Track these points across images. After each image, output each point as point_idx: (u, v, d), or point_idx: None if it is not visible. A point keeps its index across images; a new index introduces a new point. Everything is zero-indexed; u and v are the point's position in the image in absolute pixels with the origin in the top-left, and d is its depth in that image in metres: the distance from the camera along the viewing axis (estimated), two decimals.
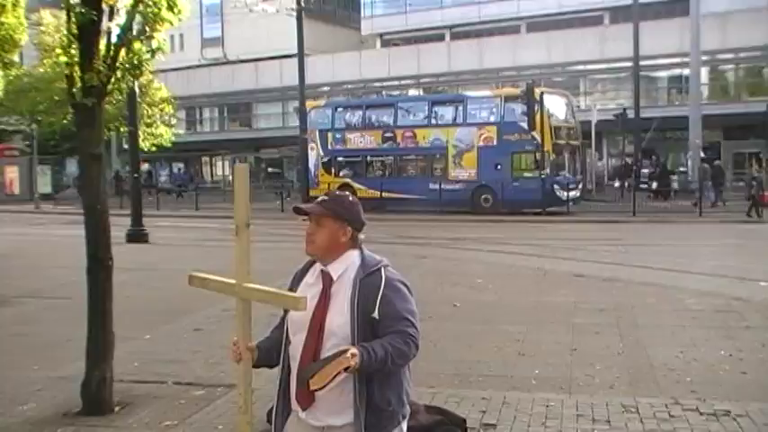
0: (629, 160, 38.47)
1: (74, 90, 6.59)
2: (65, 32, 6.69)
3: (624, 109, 38.06)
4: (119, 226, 22.98)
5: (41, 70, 39.61)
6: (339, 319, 3.20)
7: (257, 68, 54.93)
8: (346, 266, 3.29)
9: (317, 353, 3.16)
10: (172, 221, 29.38)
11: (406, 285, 3.33)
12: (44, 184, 47.28)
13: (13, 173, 52.08)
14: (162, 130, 45.01)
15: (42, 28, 36.66)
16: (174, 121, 47.33)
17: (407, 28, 53.96)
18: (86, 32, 6.43)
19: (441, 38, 52.33)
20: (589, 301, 11.41)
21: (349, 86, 51.94)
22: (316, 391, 3.04)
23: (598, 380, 7.41)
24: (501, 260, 16.62)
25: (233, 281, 3.29)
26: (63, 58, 6.71)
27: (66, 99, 24.23)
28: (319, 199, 3.37)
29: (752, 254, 17.24)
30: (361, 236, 3.36)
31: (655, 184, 34.97)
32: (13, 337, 9.84)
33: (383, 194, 32.09)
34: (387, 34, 55.57)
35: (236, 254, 3.28)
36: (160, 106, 45.36)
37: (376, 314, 3.16)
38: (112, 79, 6.63)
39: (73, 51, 6.60)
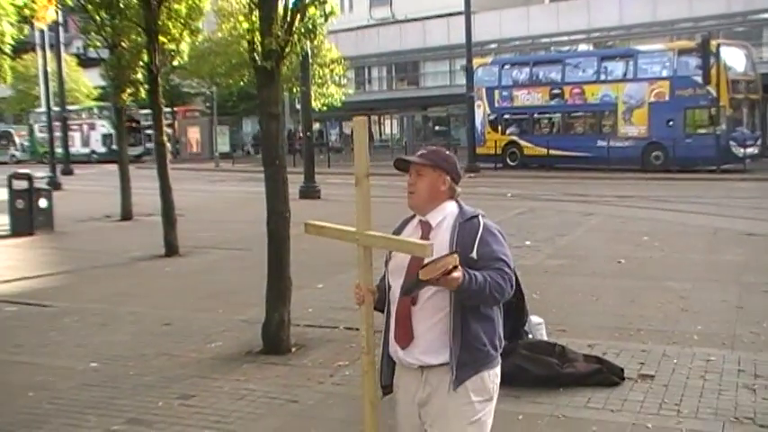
0: None
1: (254, 54, 7.13)
2: (246, 1, 7.21)
3: None
4: (292, 183, 23.95)
5: (220, 35, 41.54)
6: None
7: (425, 27, 55.12)
8: (444, 216, 3.41)
9: (415, 298, 3.33)
10: (342, 179, 30.29)
11: (501, 233, 3.40)
12: (222, 144, 49.65)
13: (194, 133, 55.03)
14: (332, 90, 46.37)
15: None
16: (344, 82, 48.55)
17: None
18: (266, 0, 6.91)
19: None
20: (761, 261, 11.12)
21: (516, 43, 51.24)
22: (424, 283, 3.10)
23: (764, 337, 7.31)
24: (669, 218, 16.28)
25: (352, 229, 3.46)
26: (245, 25, 7.24)
27: (242, 62, 25.64)
28: (419, 152, 3.51)
29: None
30: (458, 189, 3.47)
31: None
32: (201, 285, 10.71)
33: (550, 152, 31.81)
34: None
35: (357, 203, 3.44)
36: (331, 67, 46.65)
37: (474, 254, 3.26)
38: (289, 43, 7.10)
39: (254, 18, 7.13)
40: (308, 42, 7.48)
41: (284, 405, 5.84)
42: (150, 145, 47.77)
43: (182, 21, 12.92)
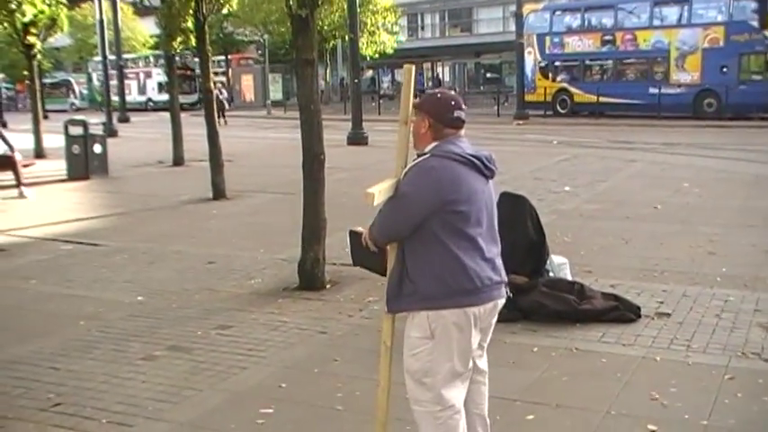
0: None
1: (290, 2, 7.38)
2: None
3: None
4: (342, 130, 24.47)
5: None
6: None
7: None
8: (417, 155, 3.58)
9: None
10: (391, 126, 30.48)
11: (425, 172, 3.42)
12: (275, 92, 50.07)
13: (248, 81, 55.53)
14: (384, 38, 46.30)
15: None
16: (396, 29, 48.43)
17: None
18: None
19: None
20: None
21: None
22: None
23: None
24: (712, 165, 16.23)
25: (392, 180, 3.57)
26: None
27: None
28: None
29: None
30: (455, 131, 3.52)
31: None
32: (245, 226, 11.15)
33: (600, 99, 31.51)
34: None
35: (397, 147, 3.60)
36: (383, 14, 46.54)
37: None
38: None
39: None
40: None
41: (314, 336, 6.20)
42: None
43: None
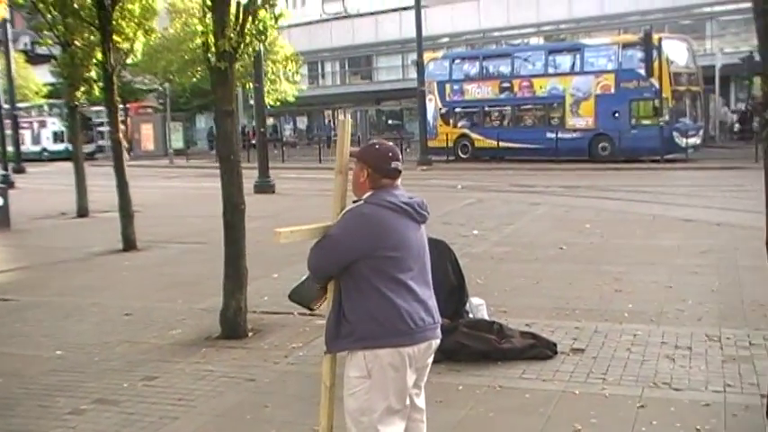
0: (743, 106, 37.38)
1: (209, 55, 7.51)
2: (200, 3, 7.58)
3: (751, 51, 36.78)
4: (246, 178, 24.32)
5: (172, 32, 41.52)
6: None
7: (377, 21, 55.60)
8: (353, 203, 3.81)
9: None
10: (296, 173, 30.70)
11: (357, 215, 3.63)
12: (176, 140, 49.61)
13: (147, 129, 54.80)
14: (285, 87, 46.54)
15: None
16: (297, 78, 48.72)
17: None
18: (219, 4, 7.30)
19: None
20: (694, 244, 11.75)
21: (468, 37, 52.00)
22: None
23: (687, 314, 7.90)
24: (612, 206, 16.97)
25: (323, 224, 3.79)
26: (199, 27, 7.63)
27: (195, 58, 25.79)
28: None
29: None
30: (391, 182, 3.70)
31: (737, 126, 34.17)
32: (159, 277, 11.07)
33: (500, 144, 32.46)
34: None
35: (333, 195, 3.81)
36: (284, 63, 46.83)
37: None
38: (241, 44, 7.50)
39: (207, 21, 7.51)
40: (261, 43, 7.88)
41: (242, 383, 6.25)
42: (102, 142, 47.69)
43: (135, 20, 13.17)
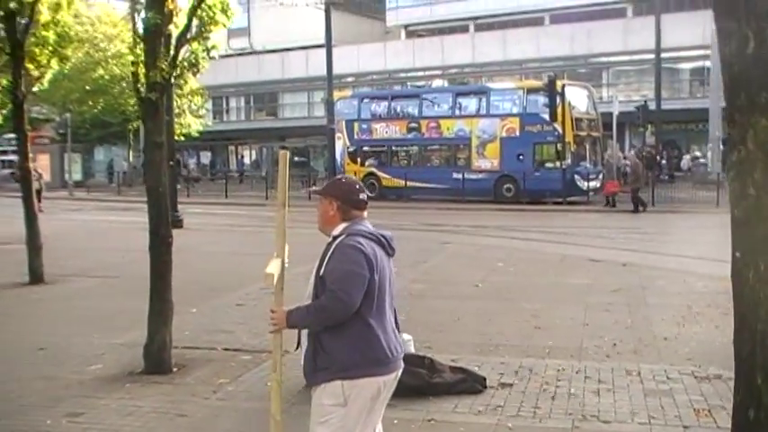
0: (648, 152, 38.93)
1: (139, 86, 7.43)
2: (130, 34, 7.51)
3: (645, 101, 38.52)
4: None
5: (74, 61, 40.54)
6: (311, 279, 3.82)
7: (283, 59, 55.79)
8: (334, 237, 3.82)
9: None
10: (202, 208, 30.27)
11: (355, 249, 3.68)
12: (75, 172, 48.28)
13: (44, 160, 53.05)
14: (190, 120, 46.00)
15: (76, 19, 37.56)
16: (202, 112, 48.26)
17: (432, 19, 54.71)
18: (151, 34, 7.25)
19: (465, 29, 52.99)
20: (603, 283, 12.14)
21: (374, 77, 52.74)
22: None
23: (605, 349, 8.17)
24: (521, 246, 17.38)
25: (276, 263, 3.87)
26: (130, 58, 7.55)
27: (96, 88, 25.13)
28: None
29: None
30: (359, 213, 3.86)
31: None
32: (71, 311, 10.71)
33: (407, 183, 32.81)
34: (412, 25, 56.31)
35: (275, 230, 3.87)
36: (189, 97, 46.32)
37: (322, 272, 3.72)
38: (173, 76, 7.45)
39: (138, 51, 7.44)
40: (193, 76, 7.85)
41: (174, 419, 6.13)
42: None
43: (50, 48, 12.85)
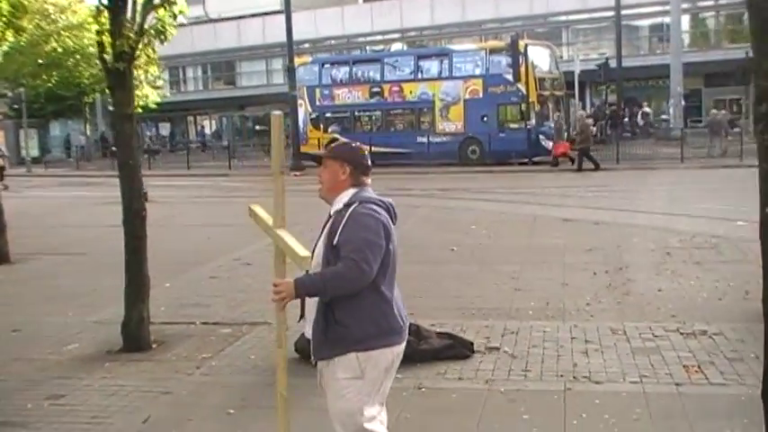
0: (612, 110, 39.10)
1: (105, 56, 7.16)
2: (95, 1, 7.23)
3: (606, 59, 38.55)
4: (113, 186, 23.35)
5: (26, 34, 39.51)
6: (319, 248, 3.67)
7: (239, 26, 54.91)
8: (342, 204, 3.65)
9: None
10: (164, 180, 29.82)
11: (374, 218, 3.56)
12: (32, 148, 47.35)
13: None
14: (147, 92, 45.19)
15: None
16: (159, 83, 47.42)
17: None
18: (116, 2, 6.97)
19: None
20: (577, 243, 12.13)
21: (332, 42, 52.17)
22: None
23: (588, 308, 8.15)
24: (491, 208, 17.35)
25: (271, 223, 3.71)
26: (94, 27, 7.27)
27: (50, 62, 24.58)
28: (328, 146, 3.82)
29: (730, 197, 17.88)
30: (367, 179, 3.74)
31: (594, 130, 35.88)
32: (41, 290, 10.43)
33: (372, 149, 32.46)
34: None
35: (274, 198, 3.66)
36: (145, 68, 45.36)
37: (336, 241, 3.54)
38: (140, 44, 7.19)
39: (103, 20, 7.15)
40: (161, 43, 7.58)
41: (158, 397, 5.98)
42: None
43: (4, 19, 12.41)
